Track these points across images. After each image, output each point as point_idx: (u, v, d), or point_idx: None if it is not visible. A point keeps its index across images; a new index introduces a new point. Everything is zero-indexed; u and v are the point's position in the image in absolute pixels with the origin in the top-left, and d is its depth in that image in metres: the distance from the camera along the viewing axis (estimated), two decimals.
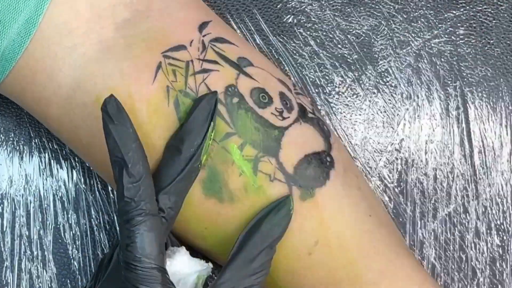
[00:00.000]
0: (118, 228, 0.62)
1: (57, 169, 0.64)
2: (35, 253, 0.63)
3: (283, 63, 0.66)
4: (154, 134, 0.52)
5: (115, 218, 0.64)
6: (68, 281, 0.63)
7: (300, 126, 0.54)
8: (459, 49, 0.68)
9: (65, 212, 0.64)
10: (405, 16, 0.68)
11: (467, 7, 0.68)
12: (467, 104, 0.67)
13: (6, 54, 0.54)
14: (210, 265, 0.53)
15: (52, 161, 0.64)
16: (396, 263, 0.54)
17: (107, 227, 0.64)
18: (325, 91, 0.67)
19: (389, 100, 0.67)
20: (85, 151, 0.56)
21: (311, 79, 0.67)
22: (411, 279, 0.54)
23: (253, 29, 0.67)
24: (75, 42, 0.54)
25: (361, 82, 0.67)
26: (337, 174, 0.54)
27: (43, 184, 0.64)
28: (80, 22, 0.54)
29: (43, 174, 0.64)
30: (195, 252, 0.54)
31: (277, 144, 0.53)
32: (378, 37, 0.67)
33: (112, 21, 0.54)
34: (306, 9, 0.67)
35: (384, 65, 0.67)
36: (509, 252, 0.66)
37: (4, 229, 0.63)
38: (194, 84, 0.53)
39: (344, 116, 0.67)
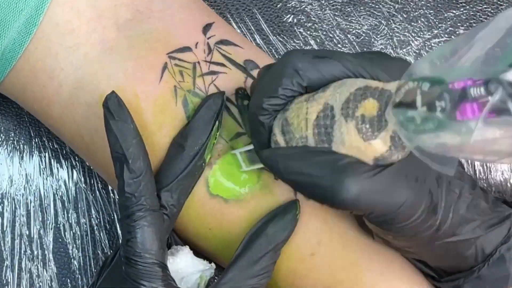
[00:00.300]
0: (119, 225, 0.62)
1: (57, 168, 0.64)
2: (35, 252, 0.63)
3: None
4: (160, 132, 0.53)
5: (115, 217, 0.64)
6: (68, 280, 0.63)
7: None
8: None
9: (65, 211, 0.64)
10: (405, 16, 0.68)
11: (467, 7, 0.68)
12: None
13: (6, 54, 0.54)
14: (213, 265, 0.53)
15: (52, 160, 0.64)
16: (396, 264, 0.54)
17: (107, 227, 0.64)
18: None
19: None
20: (87, 151, 0.56)
21: None
22: (410, 281, 0.54)
23: (253, 28, 0.67)
24: (77, 42, 0.54)
25: None
26: None
27: (43, 183, 0.64)
28: (82, 22, 0.54)
29: (43, 174, 0.64)
30: (198, 254, 0.54)
31: None
32: (378, 36, 0.67)
33: (114, 22, 0.54)
34: (306, 8, 0.67)
35: None
36: None
37: (5, 229, 0.63)
38: (203, 85, 0.53)
39: None
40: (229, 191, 0.53)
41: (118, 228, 0.64)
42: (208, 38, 0.55)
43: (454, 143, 0.36)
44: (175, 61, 0.54)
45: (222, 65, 0.54)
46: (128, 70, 0.53)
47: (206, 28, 0.56)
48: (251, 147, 0.51)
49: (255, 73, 0.55)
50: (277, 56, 0.66)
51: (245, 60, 0.55)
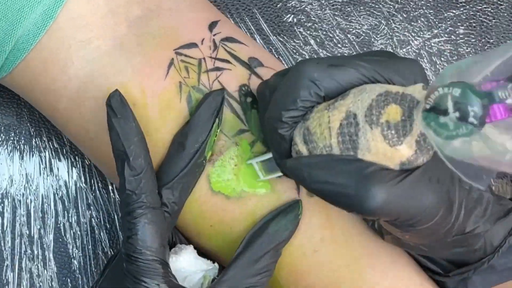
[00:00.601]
0: (121, 222, 0.62)
1: (58, 168, 0.64)
2: (35, 252, 0.63)
3: (283, 62, 0.66)
4: (165, 129, 0.53)
5: (116, 217, 0.64)
6: (69, 280, 0.63)
7: None
8: (459, 49, 0.68)
9: (65, 211, 0.64)
10: (405, 16, 0.68)
11: (467, 7, 0.68)
12: None
13: (19, 44, 0.54)
14: (217, 265, 0.53)
15: (52, 160, 0.64)
16: (398, 263, 0.54)
17: (108, 226, 0.64)
18: None
19: None
20: (92, 146, 0.57)
21: None
22: (412, 280, 0.54)
23: (253, 28, 0.67)
24: (90, 36, 0.54)
25: None
26: None
27: (44, 183, 0.64)
28: (96, 16, 0.54)
29: (43, 173, 0.64)
30: (202, 254, 0.54)
31: None
32: (378, 36, 0.67)
33: (125, 18, 0.55)
34: (306, 8, 0.67)
35: None
36: None
37: (5, 228, 0.63)
38: (208, 81, 0.54)
39: None
40: (230, 188, 0.53)
41: (118, 228, 0.64)
42: (214, 35, 0.55)
43: (486, 152, 0.37)
44: (181, 57, 0.54)
45: (227, 61, 0.54)
46: (136, 66, 0.53)
47: (212, 25, 0.56)
48: (266, 156, 0.51)
49: (259, 70, 0.55)
50: (277, 56, 0.66)
51: (249, 58, 0.55)
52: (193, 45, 0.54)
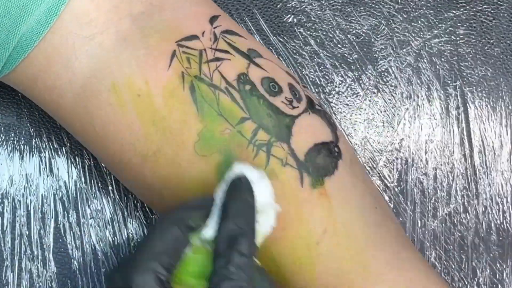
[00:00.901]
0: (120, 223, 0.62)
1: (57, 168, 0.64)
2: (35, 252, 0.63)
3: (283, 63, 0.66)
4: (170, 117, 0.53)
5: (116, 217, 0.64)
6: (69, 280, 0.63)
7: (309, 116, 0.55)
8: (459, 49, 0.68)
9: (65, 211, 0.64)
10: (405, 16, 0.68)
11: (467, 7, 0.68)
12: (467, 104, 0.67)
13: (22, 42, 0.54)
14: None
15: (52, 160, 0.64)
16: (402, 254, 0.55)
17: (108, 227, 0.64)
18: (325, 90, 0.67)
19: (389, 99, 0.67)
20: (98, 141, 0.57)
21: (311, 79, 0.67)
22: (418, 270, 0.55)
23: (253, 28, 0.67)
24: (94, 32, 0.55)
25: (361, 81, 0.67)
26: (344, 165, 0.55)
27: (44, 183, 0.64)
28: (100, 13, 0.55)
29: (43, 174, 0.64)
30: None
31: (288, 131, 0.54)
32: (378, 36, 0.67)
33: (128, 13, 0.55)
34: (306, 8, 0.67)
35: (384, 65, 0.67)
36: (509, 251, 0.66)
37: (5, 229, 0.63)
38: (208, 71, 0.54)
39: (344, 116, 0.67)
40: None
41: (118, 228, 0.64)
42: (214, 28, 0.56)
43: None
44: (183, 48, 0.55)
45: (227, 52, 0.55)
46: (140, 58, 0.54)
47: (213, 19, 0.57)
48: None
49: (257, 60, 0.55)
50: (277, 57, 0.66)
51: (248, 49, 0.56)
52: (194, 37, 0.55)
